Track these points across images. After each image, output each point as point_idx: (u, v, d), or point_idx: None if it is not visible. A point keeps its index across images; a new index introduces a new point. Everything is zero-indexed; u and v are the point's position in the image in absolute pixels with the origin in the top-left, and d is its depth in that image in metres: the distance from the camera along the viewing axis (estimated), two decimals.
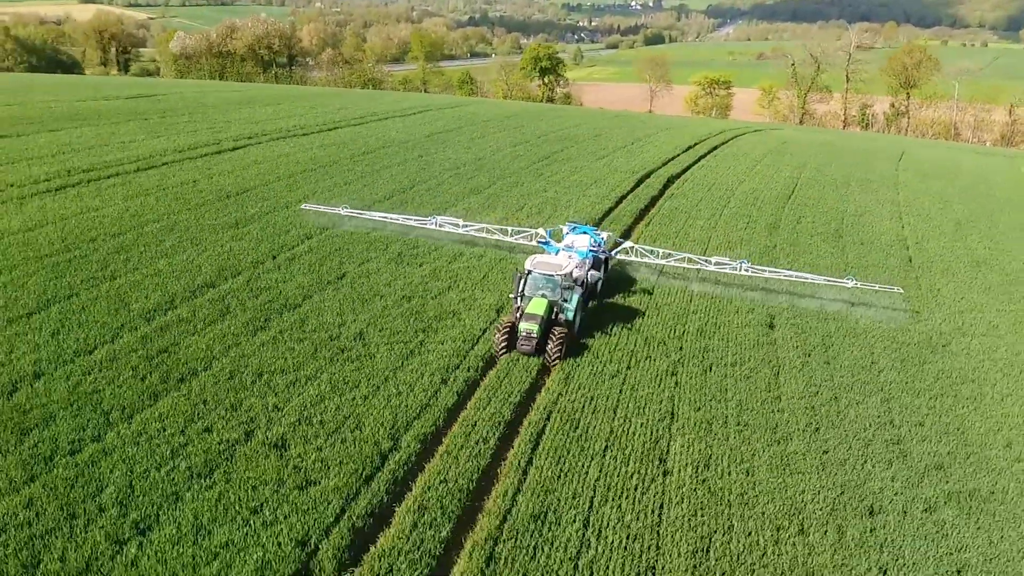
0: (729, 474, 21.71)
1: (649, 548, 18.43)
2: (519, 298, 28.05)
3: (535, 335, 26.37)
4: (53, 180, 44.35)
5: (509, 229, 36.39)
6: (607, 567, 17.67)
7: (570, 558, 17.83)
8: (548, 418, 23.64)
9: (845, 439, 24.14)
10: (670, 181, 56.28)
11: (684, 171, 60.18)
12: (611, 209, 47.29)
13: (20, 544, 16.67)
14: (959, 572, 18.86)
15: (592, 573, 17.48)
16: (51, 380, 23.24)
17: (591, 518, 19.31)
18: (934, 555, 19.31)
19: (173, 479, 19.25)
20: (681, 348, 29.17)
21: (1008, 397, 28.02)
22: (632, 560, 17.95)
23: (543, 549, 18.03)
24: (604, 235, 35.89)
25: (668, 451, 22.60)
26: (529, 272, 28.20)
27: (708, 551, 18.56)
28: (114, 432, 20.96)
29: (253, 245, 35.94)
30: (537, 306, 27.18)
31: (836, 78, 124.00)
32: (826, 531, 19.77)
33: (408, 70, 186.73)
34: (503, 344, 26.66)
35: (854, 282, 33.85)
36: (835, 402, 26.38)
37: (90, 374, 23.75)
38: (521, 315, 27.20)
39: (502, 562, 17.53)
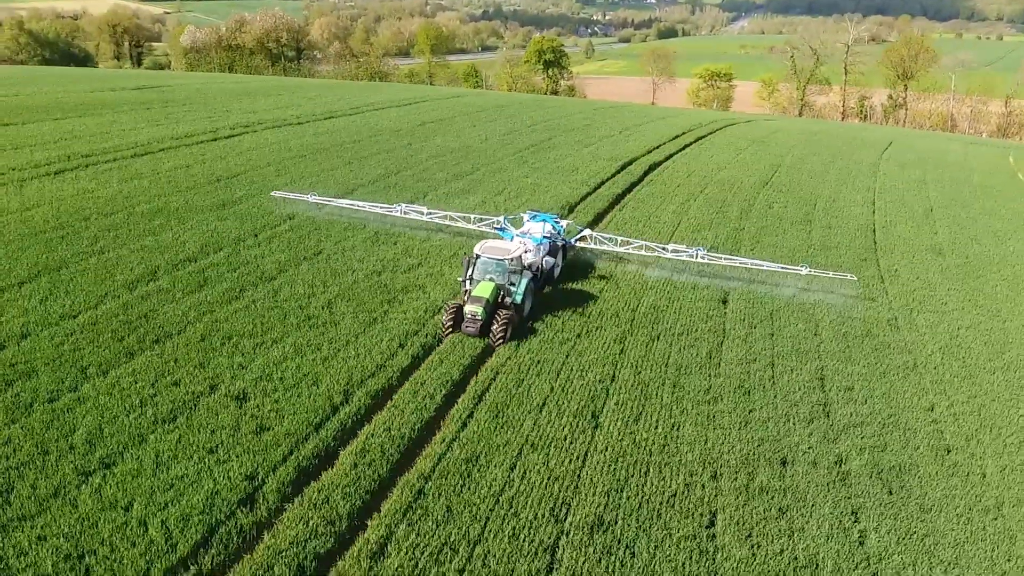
0: (655, 428, 23.44)
1: (567, 488, 20.23)
2: (468, 281, 29.07)
3: (480, 317, 27.36)
4: (53, 164, 46.52)
5: (471, 216, 37.65)
6: (526, 502, 19.48)
7: (492, 494, 19.66)
8: (495, 378, 25.44)
9: (772, 400, 25.81)
10: (652, 168, 57.87)
11: (667, 159, 61.76)
12: (588, 195, 48.91)
13: None
14: (855, 514, 20.51)
15: (511, 507, 19.28)
16: (36, 340, 25.29)
17: (518, 463, 21.11)
18: (834, 499, 20.97)
19: (139, 424, 21.23)
20: (632, 320, 30.87)
21: (940, 366, 29.58)
22: (549, 497, 19.76)
23: (469, 487, 19.87)
24: (564, 223, 36.90)
25: (603, 409, 24.33)
26: (478, 256, 29.08)
27: (622, 491, 20.33)
28: (90, 384, 22.98)
29: (237, 224, 37.92)
30: (483, 289, 28.14)
31: (836, 70, 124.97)
32: (736, 477, 21.47)
33: (415, 64, 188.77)
34: (449, 325, 27.71)
35: (808, 269, 34.66)
36: (770, 368, 28.05)
37: (72, 335, 25.78)
38: (468, 298, 28.39)
39: (429, 497, 19.38)
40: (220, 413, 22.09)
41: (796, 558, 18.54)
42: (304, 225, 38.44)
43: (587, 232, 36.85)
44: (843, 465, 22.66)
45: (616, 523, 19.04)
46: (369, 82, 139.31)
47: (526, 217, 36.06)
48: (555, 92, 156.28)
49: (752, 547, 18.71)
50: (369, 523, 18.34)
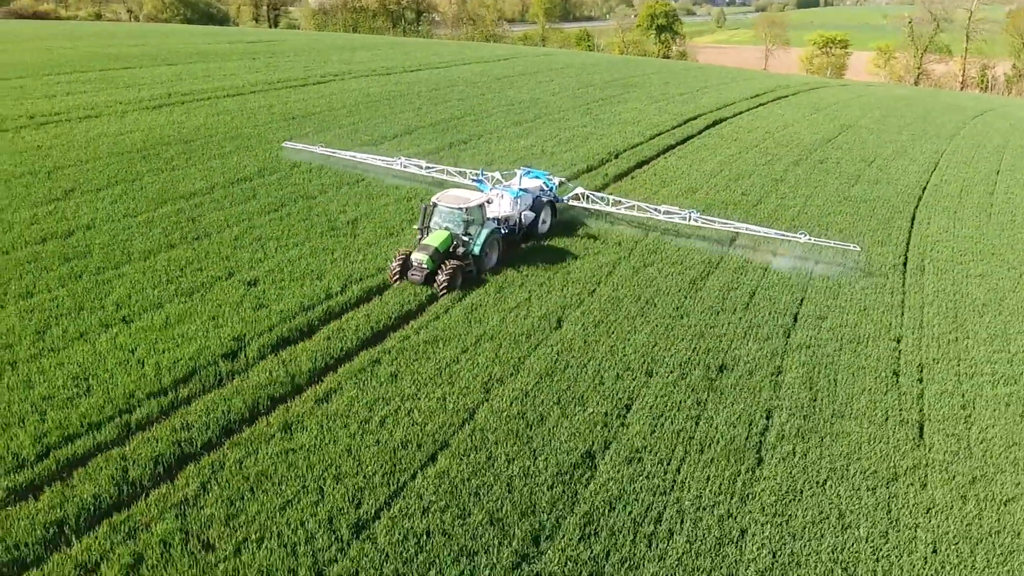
0: (611, 334, 25.63)
1: (507, 370, 22.88)
2: (423, 231, 28.77)
3: (425, 266, 27.11)
4: (155, 101, 52.22)
5: (467, 171, 37.27)
6: (464, 376, 22.26)
7: (437, 368, 22.55)
8: (481, 285, 28.24)
9: (738, 320, 27.40)
10: (715, 123, 58.66)
11: (735, 116, 62.20)
12: (639, 144, 50.51)
13: (36, 323, 23.08)
14: (768, 413, 22.21)
15: (450, 378, 22.11)
16: (98, 230, 29.98)
17: (472, 348, 23.87)
18: (754, 400, 22.69)
19: (161, 295, 25.33)
20: (630, 253, 32.87)
21: (927, 305, 30.21)
22: (488, 375, 22.46)
23: (419, 361, 22.84)
24: (556, 180, 36.23)
25: (568, 316, 26.70)
26: (435, 205, 28.72)
27: (553, 375, 22.81)
28: (130, 265, 27.35)
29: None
30: (435, 238, 27.82)
31: (957, 38, 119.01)
32: (669, 376, 23.48)
33: (529, 29, 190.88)
34: (396, 272, 27.50)
35: (806, 237, 32.77)
36: (749, 296, 29.53)
37: (128, 229, 30.36)
38: (418, 245, 28.00)
39: (383, 365, 22.48)
40: (230, 293, 25.92)
41: (692, 438, 20.59)
42: None
43: (579, 190, 35.72)
44: (779, 376, 24.23)
45: (537, 397, 21.60)
46: (477, 43, 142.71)
47: (520, 172, 35.26)
48: (667, 57, 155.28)
49: (653, 427, 20.86)
50: (324, 379, 21.66)
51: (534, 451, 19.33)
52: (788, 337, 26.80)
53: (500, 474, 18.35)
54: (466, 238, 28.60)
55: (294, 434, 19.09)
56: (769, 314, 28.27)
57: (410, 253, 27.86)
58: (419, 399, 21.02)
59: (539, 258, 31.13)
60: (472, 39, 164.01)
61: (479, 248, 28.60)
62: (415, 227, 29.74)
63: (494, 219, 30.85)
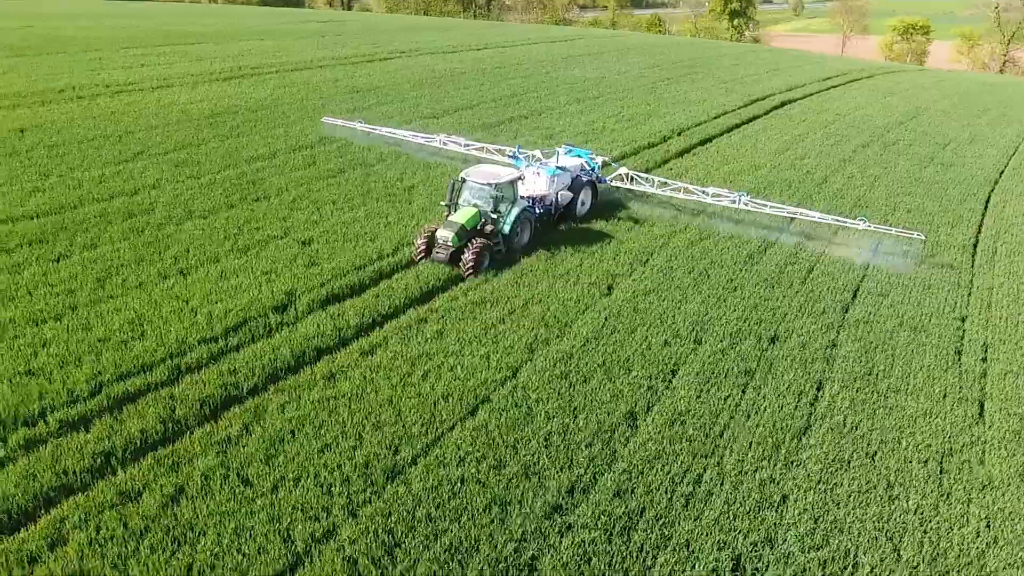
0: (663, 301, 25.25)
1: (554, 333, 22.76)
2: (451, 207, 27.34)
3: (451, 243, 25.62)
4: (224, 73, 53.51)
5: (505, 149, 35.23)
6: (510, 337, 22.21)
7: (483, 327, 22.53)
8: (532, 252, 28.11)
9: (795, 294, 26.70)
10: (783, 104, 57.26)
11: (804, 97, 60.60)
12: (703, 123, 49.66)
13: (98, 272, 23.87)
14: (819, 384, 21.61)
15: (495, 338, 22.11)
16: (162, 190, 30.85)
17: (519, 310, 23.80)
18: (805, 372, 22.09)
19: (218, 251, 25.93)
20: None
21: (996, 292, 29.03)
22: (533, 336, 22.37)
23: (465, 321, 22.88)
24: (599, 159, 34.17)
25: (619, 283, 26.43)
26: (463, 180, 27.15)
27: (599, 339, 22.59)
28: (191, 222, 28.08)
29: None
30: (462, 215, 26.27)
31: None
32: (719, 345, 23.03)
33: (599, 15, 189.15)
34: (421, 249, 26.17)
35: (865, 223, 29.94)
36: (807, 272, 28.77)
37: (191, 190, 31.17)
38: (444, 222, 26.53)
39: (429, 323, 22.60)
40: (284, 251, 26.38)
41: (738, 405, 20.15)
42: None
43: (623, 170, 33.52)
44: (833, 350, 23.55)
45: (581, 359, 21.42)
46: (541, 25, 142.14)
47: (561, 151, 33.57)
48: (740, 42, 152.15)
49: (699, 392, 20.48)
50: (370, 334, 21.87)
51: (574, 409, 19.18)
52: (846, 312, 26.01)
53: (539, 430, 18.26)
54: (495, 216, 27.16)
55: (337, 383, 19.33)
56: (827, 289, 27.47)
57: (436, 230, 26.37)
58: (463, 356, 21.06)
59: (582, 237, 30.67)
60: (542, 23, 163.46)
61: (509, 227, 27.14)
62: (442, 203, 28.33)
63: (529, 198, 29.54)
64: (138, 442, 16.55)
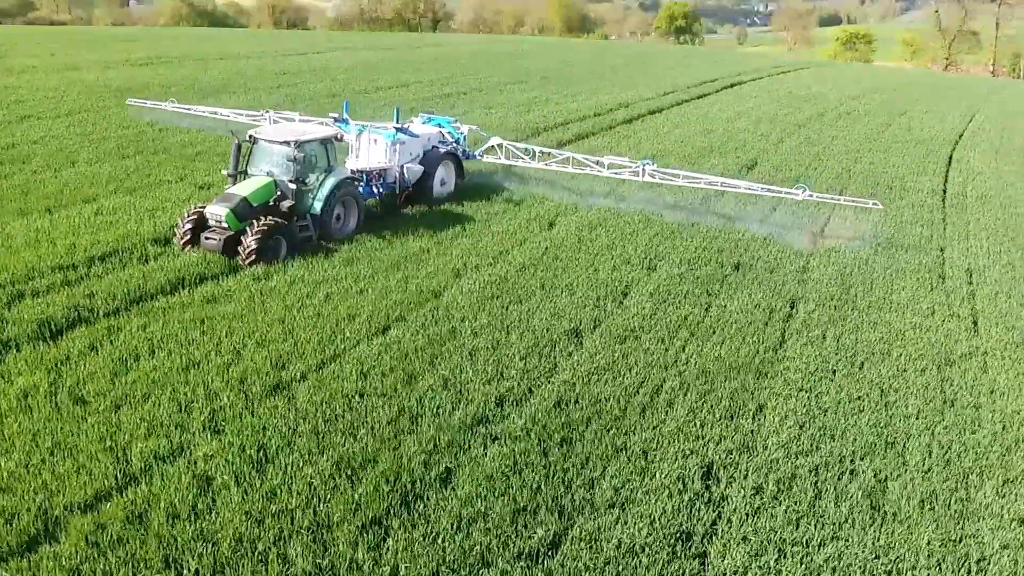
0: (597, 239, 22.37)
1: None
2: (236, 177, 19.73)
3: (225, 224, 18.25)
4: (140, 61, 49.95)
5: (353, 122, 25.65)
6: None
7: (417, 252, 19.41)
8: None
9: (747, 228, 24.02)
10: (732, 86, 55.62)
11: (754, 80, 59.14)
12: (650, 99, 47.46)
13: None
14: (792, 303, 18.78)
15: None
16: (44, 144, 27.49)
17: (444, 238, 20.73)
18: (788, 292, 19.26)
19: (96, 193, 22.55)
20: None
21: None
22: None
23: (387, 248, 19.72)
24: (464, 129, 26.97)
25: (554, 224, 23.50)
26: (254, 141, 19.70)
27: (538, 266, 19.54)
28: (72, 169, 24.69)
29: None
30: (247, 186, 19.08)
31: (987, 26, 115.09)
32: (677, 269, 20.04)
33: (547, 39, 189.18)
34: (186, 235, 18.60)
35: (806, 192, 23.21)
36: (754, 205, 26.15)
37: (78, 144, 27.88)
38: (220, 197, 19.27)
39: (339, 252, 19.37)
40: (178, 192, 23.15)
41: (700, 323, 17.17)
42: None
43: (496, 141, 26.41)
44: (805, 274, 20.79)
45: (517, 282, 18.35)
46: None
47: (418, 120, 26.71)
48: None
49: (654, 311, 17.46)
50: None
51: (507, 326, 16.03)
52: (815, 244, 23.35)
53: (463, 345, 15.07)
54: (301, 188, 19.52)
55: (218, 305, 15.94)
56: (794, 224, 24.85)
57: (204, 208, 18.85)
58: (376, 280, 17.82)
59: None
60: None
61: (321, 204, 19.74)
62: (224, 171, 20.59)
63: (362, 172, 22.70)
64: None
